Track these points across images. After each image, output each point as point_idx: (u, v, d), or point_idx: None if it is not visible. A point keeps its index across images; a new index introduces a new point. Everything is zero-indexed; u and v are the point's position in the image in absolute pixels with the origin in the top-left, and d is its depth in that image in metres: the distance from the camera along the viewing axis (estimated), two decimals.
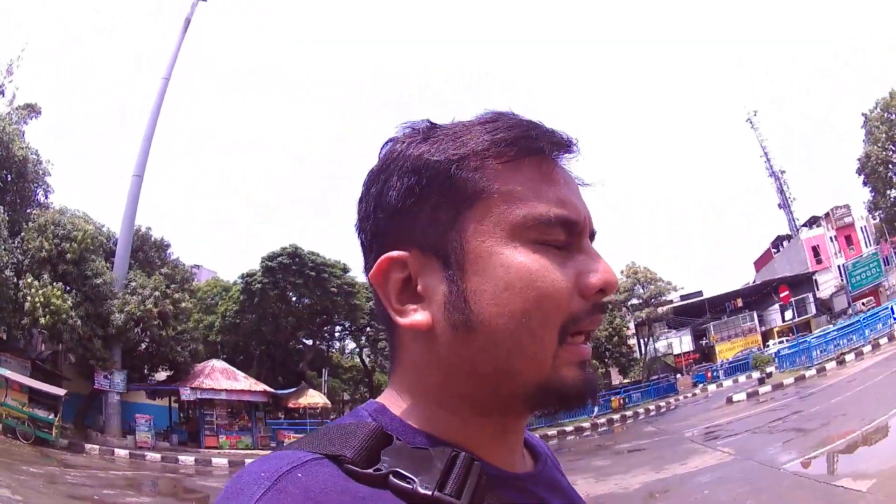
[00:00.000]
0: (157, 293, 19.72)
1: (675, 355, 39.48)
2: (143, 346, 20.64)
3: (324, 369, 29.33)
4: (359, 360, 34.69)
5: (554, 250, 0.49)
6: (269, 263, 26.34)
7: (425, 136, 0.52)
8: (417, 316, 0.50)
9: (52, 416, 15.96)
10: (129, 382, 19.91)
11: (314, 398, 23.45)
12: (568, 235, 0.50)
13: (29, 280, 17.02)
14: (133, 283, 19.95)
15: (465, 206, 0.49)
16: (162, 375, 22.36)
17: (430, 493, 0.42)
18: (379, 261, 0.51)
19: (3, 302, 16.74)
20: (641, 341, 36.92)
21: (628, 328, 34.58)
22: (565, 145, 0.53)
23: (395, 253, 0.51)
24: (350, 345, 35.75)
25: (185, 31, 24.62)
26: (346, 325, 31.63)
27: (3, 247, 16.87)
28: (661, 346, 38.74)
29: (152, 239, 23.80)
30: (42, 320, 16.65)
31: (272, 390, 22.88)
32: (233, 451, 19.62)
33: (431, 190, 0.50)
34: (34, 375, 17.39)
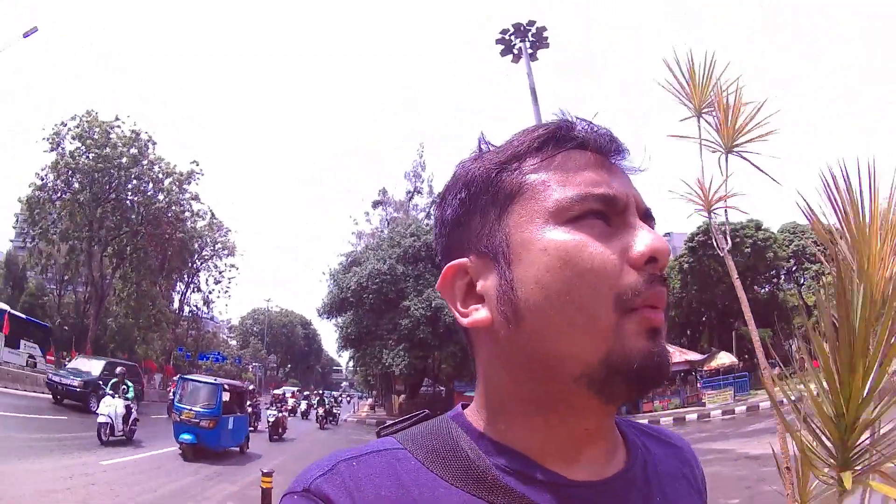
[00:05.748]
0: None
1: None
2: None
3: (732, 332, 29.61)
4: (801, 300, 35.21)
5: (595, 227, 0.49)
6: (690, 244, 30.31)
7: (475, 156, 0.57)
8: (478, 314, 0.52)
9: None
10: None
11: (723, 360, 26.87)
12: (609, 213, 0.50)
13: None
14: None
15: (508, 203, 0.52)
16: None
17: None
18: (443, 271, 0.55)
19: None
20: None
21: None
22: (606, 141, 0.53)
23: (455, 261, 0.54)
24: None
25: None
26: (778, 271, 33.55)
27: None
28: None
29: None
30: None
31: (691, 357, 26.46)
32: (665, 410, 23.17)
33: (479, 197, 0.54)
34: None
